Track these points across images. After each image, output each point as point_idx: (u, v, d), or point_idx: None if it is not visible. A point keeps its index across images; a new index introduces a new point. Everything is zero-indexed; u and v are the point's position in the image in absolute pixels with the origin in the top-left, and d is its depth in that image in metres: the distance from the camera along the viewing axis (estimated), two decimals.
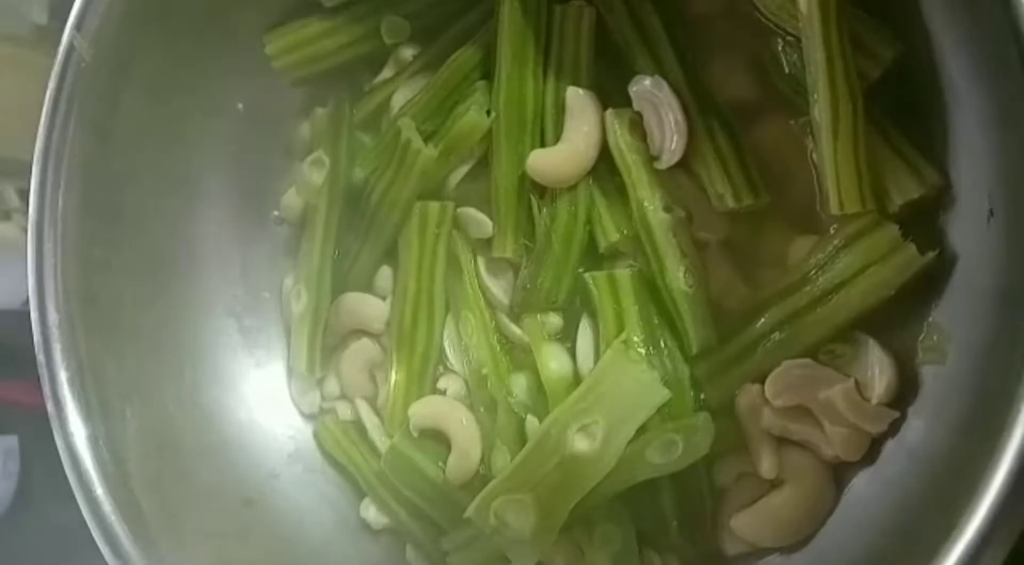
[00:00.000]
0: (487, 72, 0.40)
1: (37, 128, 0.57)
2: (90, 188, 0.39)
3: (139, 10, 0.38)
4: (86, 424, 0.37)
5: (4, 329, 0.66)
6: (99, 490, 0.36)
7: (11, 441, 0.64)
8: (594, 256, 0.39)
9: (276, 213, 0.46)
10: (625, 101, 0.37)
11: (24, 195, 0.65)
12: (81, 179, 0.39)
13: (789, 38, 0.35)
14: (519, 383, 0.39)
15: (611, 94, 0.38)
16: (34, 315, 0.38)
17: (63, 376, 0.37)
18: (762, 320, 0.35)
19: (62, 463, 0.62)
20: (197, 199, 0.44)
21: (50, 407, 0.37)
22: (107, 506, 0.36)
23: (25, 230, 0.61)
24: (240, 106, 0.44)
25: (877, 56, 0.33)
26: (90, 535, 0.60)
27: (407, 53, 0.42)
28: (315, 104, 0.44)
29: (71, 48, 0.38)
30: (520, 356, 0.41)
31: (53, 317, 0.38)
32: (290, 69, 0.43)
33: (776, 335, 0.35)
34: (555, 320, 0.39)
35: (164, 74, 0.41)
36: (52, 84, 0.38)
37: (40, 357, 0.38)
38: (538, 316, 0.39)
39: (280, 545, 0.41)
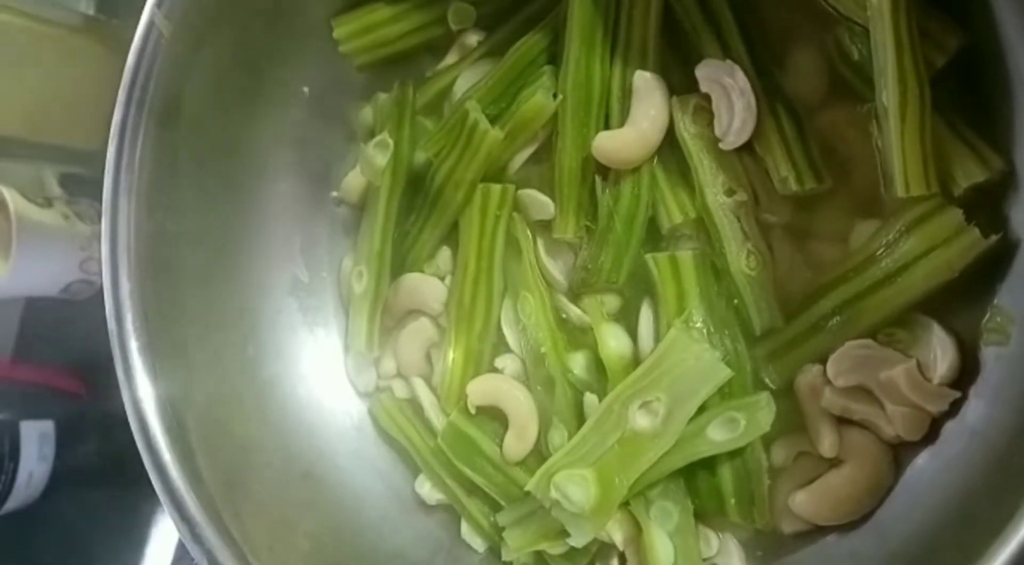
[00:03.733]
0: (553, 57, 0.41)
1: (80, 115, 0.59)
2: (161, 163, 0.40)
3: None
4: (155, 390, 0.38)
5: (43, 315, 0.67)
6: (166, 456, 0.37)
7: (47, 426, 0.65)
8: (655, 237, 0.40)
9: (335, 194, 0.47)
10: (689, 83, 0.38)
11: (65, 181, 0.66)
12: (153, 154, 0.40)
13: (854, 26, 0.36)
14: (578, 361, 0.40)
15: (675, 77, 0.39)
16: (107, 284, 0.39)
17: (134, 345, 0.38)
18: (825, 301, 0.36)
19: (93, 449, 0.63)
20: (261, 178, 0.45)
21: (120, 374, 0.38)
22: (173, 471, 0.37)
23: (66, 217, 0.62)
24: (305, 89, 0.45)
25: (943, 44, 0.34)
26: (120, 518, 0.61)
27: (472, 39, 0.43)
28: (378, 88, 0.45)
29: (151, 24, 0.39)
30: (577, 335, 0.41)
31: (125, 286, 0.38)
32: (356, 54, 0.44)
33: (838, 316, 0.36)
34: (614, 300, 0.40)
35: (235, 55, 0.42)
36: (131, 60, 0.39)
37: (112, 325, 0.38)
38: (597, 296, 0.40)
39: (336, 518, 0.42)
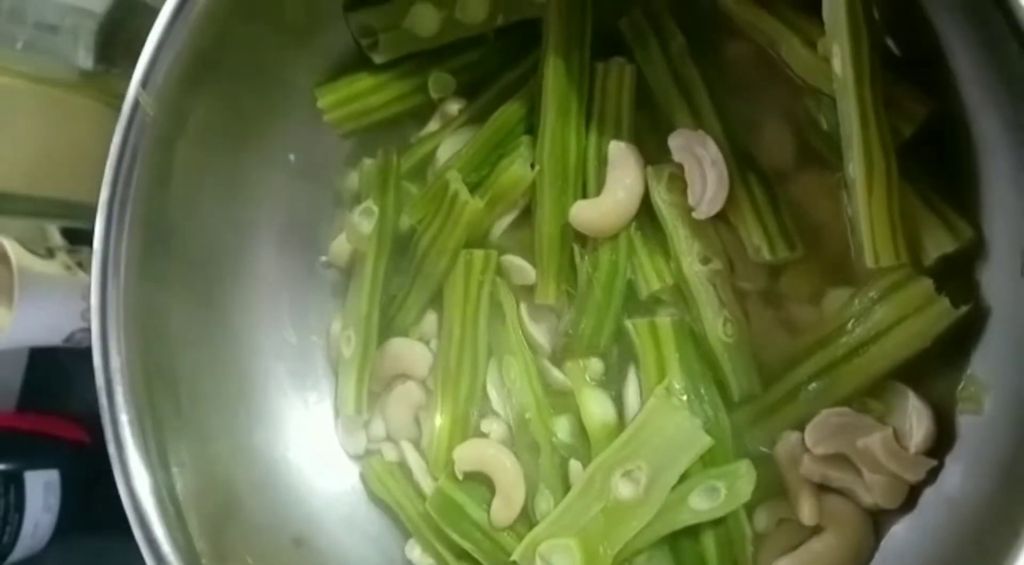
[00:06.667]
0: (530, 126, 0.42)
1: (80, 170, 0.60)
2: (150, 236, 0.41)
3: (199, 68, 0.40)
4: (146, 465, 0.38)
5: (47, 365, 0.68)
6: (158, 531, 0.38)
7: (52, 475, 0.65)
8: (636, 303, 0.40)
9: (323, 258, 0.48)
10: (663, 152, 0.39)
11: (67, 234, 0.67)
12: (142, 228, 0.40)
13: (823, 97, 0.36)
14: (562, 426, 0.41)
15: (650, 146, 0.40)
16: (97, 360, 0.39)
17: (124, 418, 0.39)
18: (801, 369, 0.36)
19: (98, 497, 0.64)
20: (250, 246, 0.45)
21: (111, 449, 0.39)
22: (166, 547, 0.38)
23: (68, 267, 0.63)
24: (291, 157, 0.46)
25: (910, 114, 0.35)
26: None
27: (452, 107, 0.44)
28: (363, 155, 0.46)
29: (136, 104, 0.40)
30: (562, 400, 0.42)
31: (116, 361, 0.39)
32: (340, 122, 0.45)
33: (815, 384, 0.36)
34: (597, 365, 0.41)
35: (221, 127, 0.42)
36: (117, 138, 0.40)
37: (103, 401, 0.39)
38: (580, 361, 0.41)
39: None
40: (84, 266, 0.64)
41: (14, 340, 0.59)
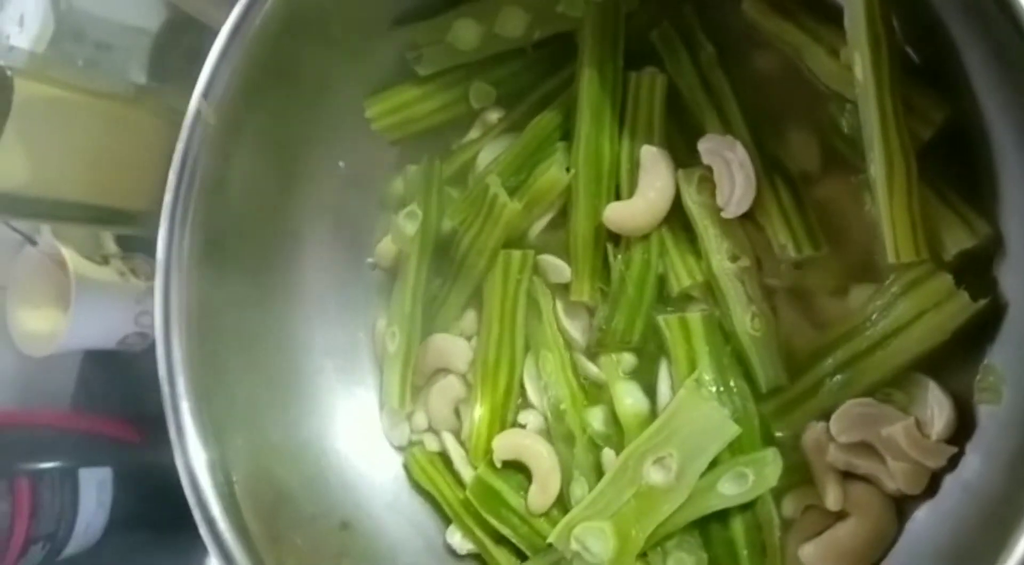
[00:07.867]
0: (566, 133, 0.44)
1: (134, 180, 0.63)
2: (209, 237, 0.43)
3: (256, 80, 0.43)
4: (205, 450, 0.41)
5: (100, 367, 0.70)
6: (215, 510, 0.40)
7: (105, 473, 0.67)
8: (667, 299, 0.42)
9: (370, 259, 0.50)
10: (693, 156, 0.41)
11: (121, 241, 0.70)
12: (202, 229, 0.43)
13: (846, 103, 0.38)
14: (596, 417, 0.43)
15: (680, 150, 0.42)
16: (160, 350, 0.42)
17: (185, 406, 0.41)
18: (826, 361, 0.38)
19: (148, 494, 0.66)
20: (301, 247, 0.48)
21: (172, 434, 0.41)
22: (222, 525, 0.40)
23: (122, 273, 0.66)
24: (341, 164, 0.48)
25: (929, 118, 0.36)
26: (172, 562, 0.64)
27: (492, 116, 0.47)
28: (408, 161, 0.49)
29: (197, 113, 0.42)
30: (595, 392, 0.44)
31: (178, 353, 0.42)
32: (387, 131, 0.47)
33: (839, 376, 0.38)
34: (629, 359, 0.43)
35: (275, 135, 0.45)
36: (180, 146, 0.42)
37: (165, 389, 0.41)
38: (613, 355, 0.43)
39: None
40: (137, 272, 0.66)
41: (70, 343, 0.62)
